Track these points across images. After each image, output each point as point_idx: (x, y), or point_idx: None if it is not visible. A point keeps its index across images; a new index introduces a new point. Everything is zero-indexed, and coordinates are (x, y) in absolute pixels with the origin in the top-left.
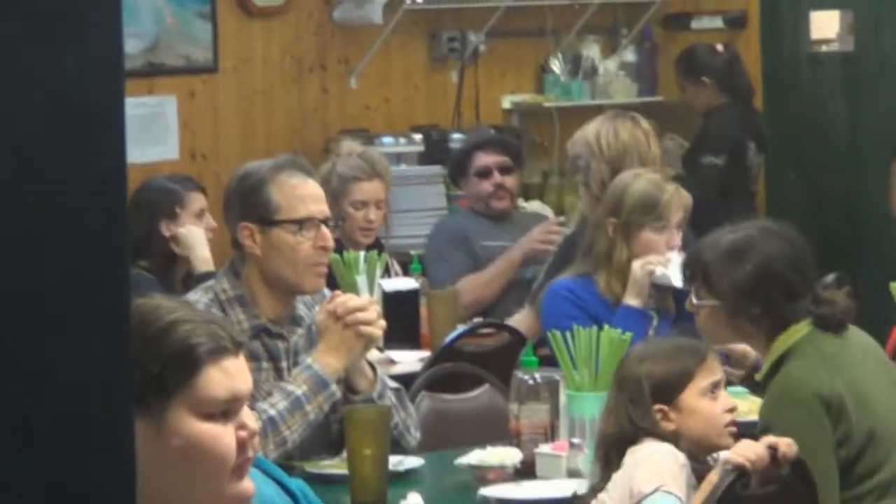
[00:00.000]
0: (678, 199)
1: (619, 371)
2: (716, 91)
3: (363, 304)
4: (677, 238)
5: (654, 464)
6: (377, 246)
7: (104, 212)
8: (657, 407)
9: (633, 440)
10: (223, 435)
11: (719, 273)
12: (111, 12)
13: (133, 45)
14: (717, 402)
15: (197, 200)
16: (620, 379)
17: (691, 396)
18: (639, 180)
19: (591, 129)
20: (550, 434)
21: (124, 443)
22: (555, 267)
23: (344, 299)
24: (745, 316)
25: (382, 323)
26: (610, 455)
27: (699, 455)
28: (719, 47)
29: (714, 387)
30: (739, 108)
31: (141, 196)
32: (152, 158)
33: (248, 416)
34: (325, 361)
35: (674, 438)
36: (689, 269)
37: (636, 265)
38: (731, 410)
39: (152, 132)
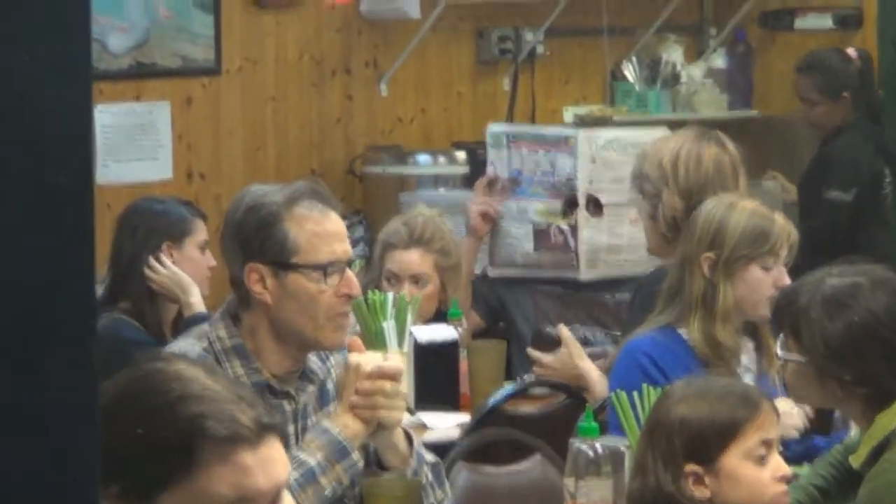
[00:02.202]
0: (788, 231)
1: (652, 417)
2: (850, 108)
3: (385, 372)
4: (786, 277)
5: None
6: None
7: (64, 238)
8: (689, 468)
9: None
10: None
11: (810, 325)
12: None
13: (119, 42)
14: (766, 467)
15: (202, 230)
16: (652, 426)
17: (735, 458)
18: (739, 209)
19: (667, 150)
20: None
21: None
22: (632, 318)
23: (367, 371)
24: (837, 381)
25: (402, 404)
26: None
27: None
28: (851, 52)
29: (765, 447)
30: (868, 128)
31: (135, 218)
32: (140, 178)
33: None
34: (345, 423)
35: None
36: (778, 313)
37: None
38: (785, 479)
39: (140, 146)
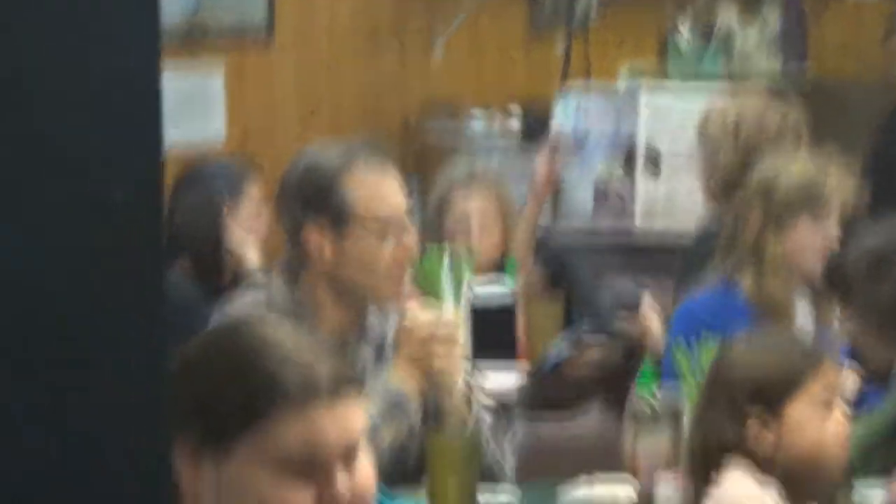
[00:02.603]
0: (841, 184)
1: (714, 368)
2: None
3: (444, 326)
4: (835, 230)
5: None
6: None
7: (138, 208)
8: (756, 413)
9: (721, 459)
10: (290, 496)
11: (858, 291)
12: None
13: (173, 7)
14: (829, 419)
15: (256, 188)
16: (714, 378)
17: (800, 407)
18: (791, 164)
19: (731, 109)
20: (673, 465)
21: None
22: (683, 277)
23: (425, 321)
24: (889, 337)
25: (459, 353)
26: (698, 475)
27: (797, 482)
28: None
29: (830, 398)
30: None
31: (197, 175)
32: (194, 140)
33: (341, 479)
34: (402, 376)
35: (769, 458)
36: (827, 282)
37: None
38: (846, 432)
39: (194, 109)
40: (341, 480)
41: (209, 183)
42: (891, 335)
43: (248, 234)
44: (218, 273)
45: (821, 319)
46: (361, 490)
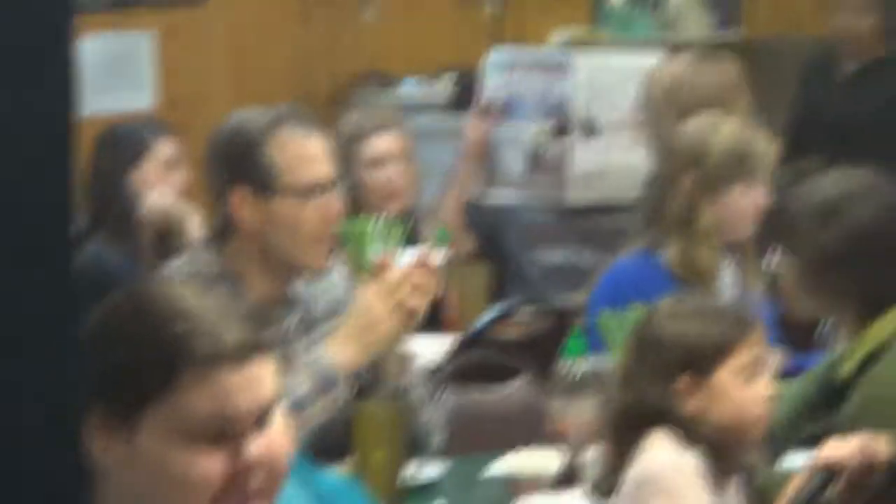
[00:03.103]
0: (771, 151)
1: (640, 329)
2: None
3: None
4: (765, 197)
5: (667, 493)
6: (411, 215)
7: (46, 168)
8: (684, 378)
9: (646, 424)
10: (199, 463)
11: (803, 234)
12: None
13: None
14: (755, 386)
15: (166, 147)
16: (642, 340)
17: (727, 374)
18: (721, 129)
19: (667, 72)
20: (600, 433)
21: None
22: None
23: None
24: (829, 285)
25: (433, 289)
26: (621, 440)
27: (720, 448)
28: None
29: (756, 366)
30: None
31: (102, 146)
32: (122, 108)
33: (253, 443)
34: (342, 353)
35: (694, 423)
36: (769, 226)
37: None
38: (770, 400)
39: (123, 76)
40: (253, 445)
41: (111, 147)
42: (829, 283)
43: (179, 202)
44: (135, 240)
45: (746, 286)
46: (274, 455)
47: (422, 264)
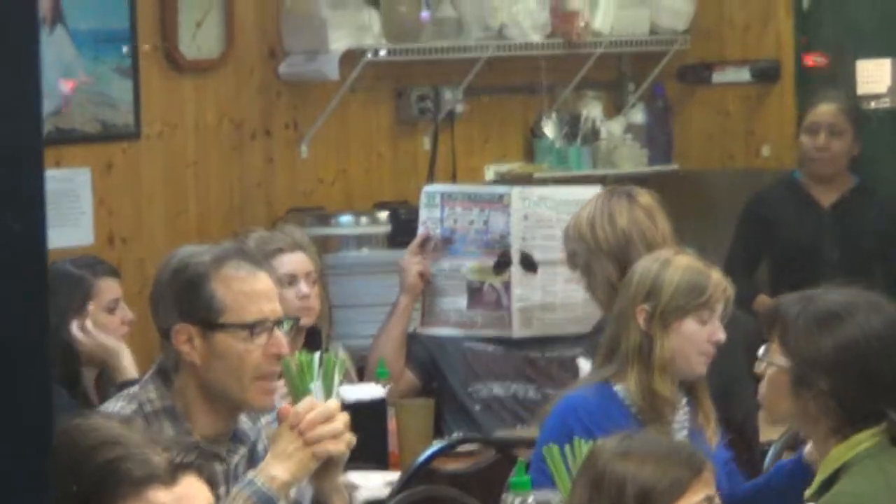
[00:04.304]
0: (724, 286)
1: (592, 465)
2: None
3: (328, 413)
4: (721, 332)
5: None
6: (317, 338)
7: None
8: None
9: None
10: None
11: (800, 332)
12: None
13: None
14: None
15: (109, 289)
16: (597, 476)
17: None
18: (674, 263)
19: (584, 217)
20: None
21: None
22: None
23: (304, 409)
24: (812, 392)
25: (351, 437)
26: None
27: None
28: None
29: (710, 501)
30: None
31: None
32: (61, 244)
33: None
34: (270, 474)
35: None
36: (768, 318)
37: None
38: None
39: (61, 212)
40: None
41: (55, 294)
42: (814, 388)
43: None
44: (77, 377)
45: (697, 423)
46: None
47: (335, 412)
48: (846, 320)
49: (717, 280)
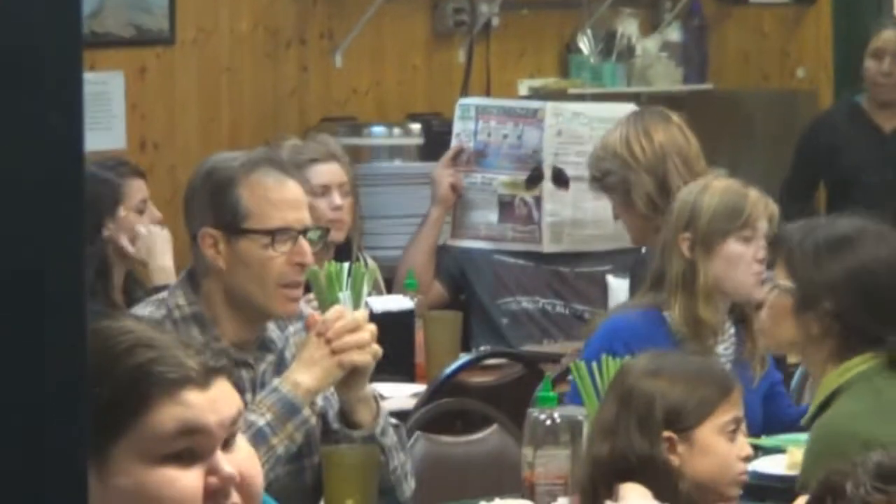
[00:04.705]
0: (764, 204)
1: (622, 382)
2: None
3: (355, 323)
4: (763, 250)
5: None
6: (347, 249)
7: (58, 203)
8: (667, 434)
9: (627, 474)
10: (178, 480)
11: (807, 253)
12: None
13: None
14: (734, 444)
15: (138, 189)
16: (626, 393)
17: (709, 432)
18: (712, 188)
19: (616, 138)
20: (571, 485)
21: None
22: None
23: (332, 317)
24: (816, 313)
25: (377, 349)
26: (595, 491)
27: (699, 503)
28: None
29: (735, 425)
30: None
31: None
32: (93, 147)
33: (224, 460)
34: (296, 381)
35: (675, 477)
36: (773, 245)
37: None
38: (747, 459)
39: (94, 115)
40: (225, 463)
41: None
42: (819, 311)
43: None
44: (106, 281)
45: (746, 353)
46: (246, 474)
47: (362, 323)
48: (854, 245)
49: (756, 198)
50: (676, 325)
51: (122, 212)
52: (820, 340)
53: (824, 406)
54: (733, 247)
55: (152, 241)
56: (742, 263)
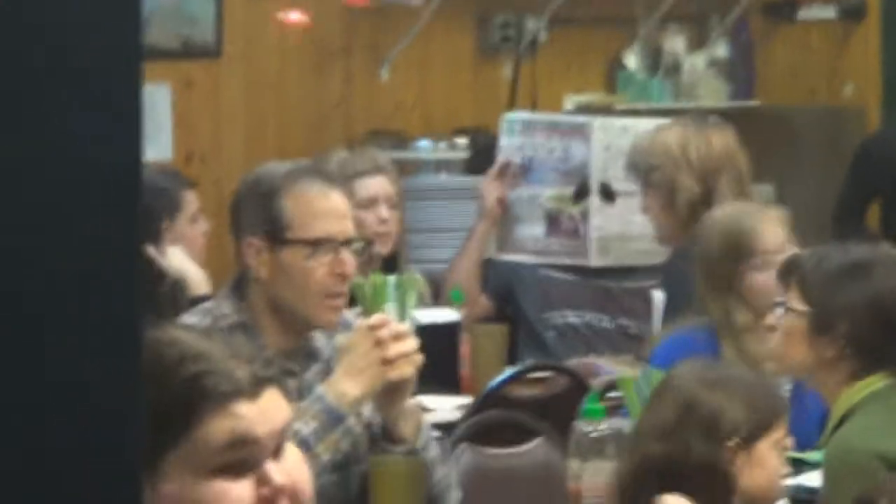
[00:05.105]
0: (769, 219)
1: (678, 388)
2: None
3: (399, 333)
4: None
5: None
6: (394, 263)
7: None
8: (731, 444)
9: (677, 479)
10: (230, 491)
11: (822, 277)
12: None
13: None
14: (782, 459)
15: (192, 201)
16: (689, 399)
17: (767, 446)
18: (712, 220)
19: (673, 136)
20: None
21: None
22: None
23: (377, 322)
24: (831, 336)
25: (418, 359)
26: (639, 489)
27: None
28: None
29: (786, 441)
30: None
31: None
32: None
33: (275, 469)
34: (341, 389)
35: (732, 486)
36: (785, 270)
37: None
38: (787, 476)
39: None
40: (275, 473)
41: (144, 207)
42: (834, 334)
43: (186, 249)
44: (157, 290)
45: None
46: (297, 482)
47: (406, 334)
48: (870, 270)
49: (756, 216)
50: (730, 359)
51: (177, 220)
52: (834, 364)
53: (838, 426)
54: (753, 280)
55: (174, 258)
56: (771, 291)
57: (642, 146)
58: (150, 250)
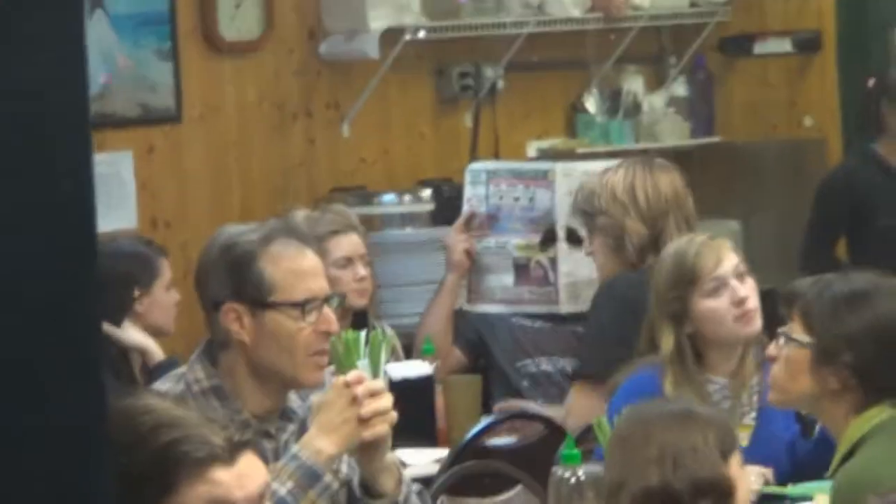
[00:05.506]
0: (713, 245)
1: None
2: None
3: (374, 389)
4: (744, 288)
5: None
6: (364, 318)
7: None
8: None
9: None
10: None
11: (825, 307)
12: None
13: None
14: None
15: (167, 268)
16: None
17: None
18: (663, 255)
19: (618, 180)
20: None
21: None
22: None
23: (353, 379)
24: (835, 367)
25: (393, 416)
26: None
27: None
28: None
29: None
30: None
31: (110, 265)
32: (104, 227)
33: None
34: (317, 447)
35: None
36: (786, 300)
37: None
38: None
39: (104, 196)
40: None
41: (128, 260)
42: (838, 364)
43: (160, 316)
44: (127, 358)
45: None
46: None
47: (381, 391)
48: (872, 299)
49: (699, 243)
50: (668, 393)
51: (154, 287)
52: (838, 394)
53: (847, 457)
54: (703, 306)
55: (131, 341)
56: (721, 314)
57: (589, 190)
58: (106, 326)
